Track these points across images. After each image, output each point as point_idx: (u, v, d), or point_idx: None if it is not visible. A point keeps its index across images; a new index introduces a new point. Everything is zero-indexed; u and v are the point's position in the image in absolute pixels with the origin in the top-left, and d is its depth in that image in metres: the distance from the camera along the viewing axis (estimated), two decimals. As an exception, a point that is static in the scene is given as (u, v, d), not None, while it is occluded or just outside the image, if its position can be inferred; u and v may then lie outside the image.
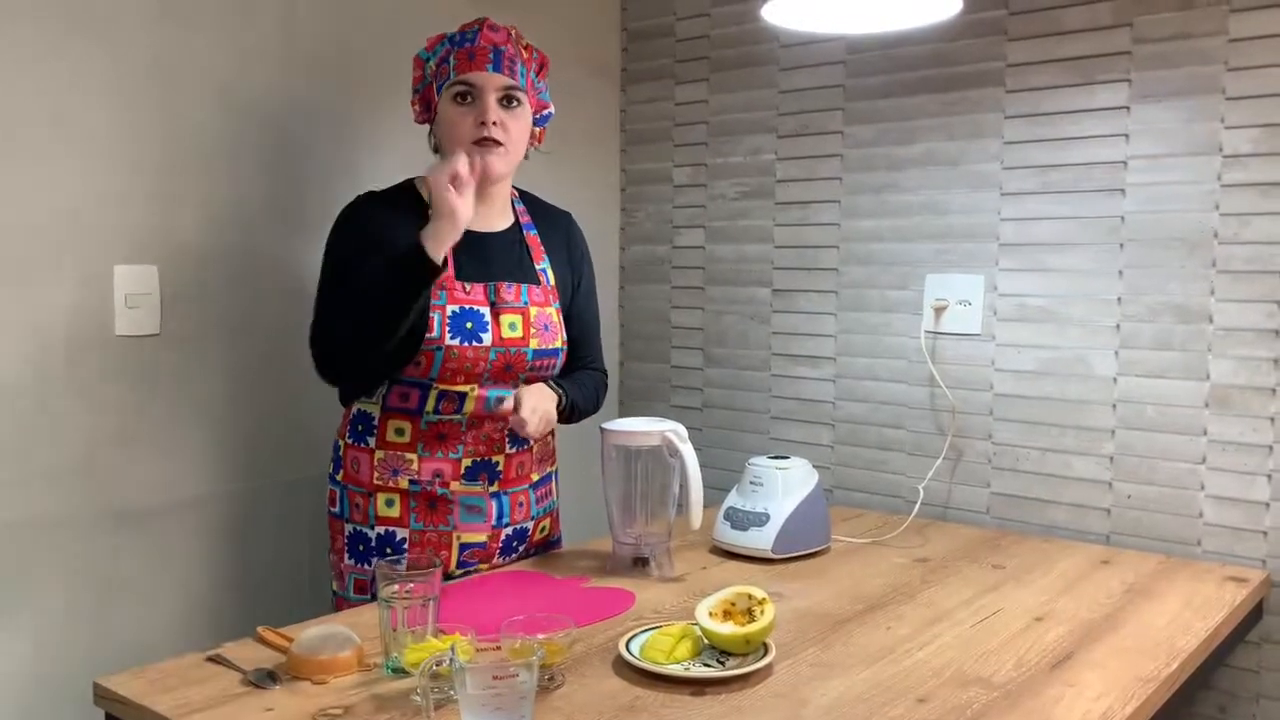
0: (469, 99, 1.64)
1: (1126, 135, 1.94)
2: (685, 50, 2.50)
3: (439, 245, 1.55)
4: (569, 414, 1.76)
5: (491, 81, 1.63)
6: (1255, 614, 1.80)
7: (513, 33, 1.69)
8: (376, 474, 1.68)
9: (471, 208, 1.57)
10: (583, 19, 2.50)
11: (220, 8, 1.84)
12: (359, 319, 1.57)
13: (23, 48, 1.61)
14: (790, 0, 1.67)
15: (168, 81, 1.78)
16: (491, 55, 1.63)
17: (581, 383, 1.80)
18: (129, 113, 1.73)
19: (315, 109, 1.98)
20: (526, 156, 1.75)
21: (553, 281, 1.76)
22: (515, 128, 1.66)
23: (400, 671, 1.26)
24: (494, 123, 1.62)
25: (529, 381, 1.70)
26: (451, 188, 1.54)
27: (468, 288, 1.65)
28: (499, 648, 1.23)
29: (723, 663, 1.32)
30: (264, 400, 1.94)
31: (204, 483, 1.88)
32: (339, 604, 1.73)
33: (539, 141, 1.78)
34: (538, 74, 1.72)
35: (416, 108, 1.73)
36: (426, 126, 1.74)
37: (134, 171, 1.75)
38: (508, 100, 1.65)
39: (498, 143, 1.64)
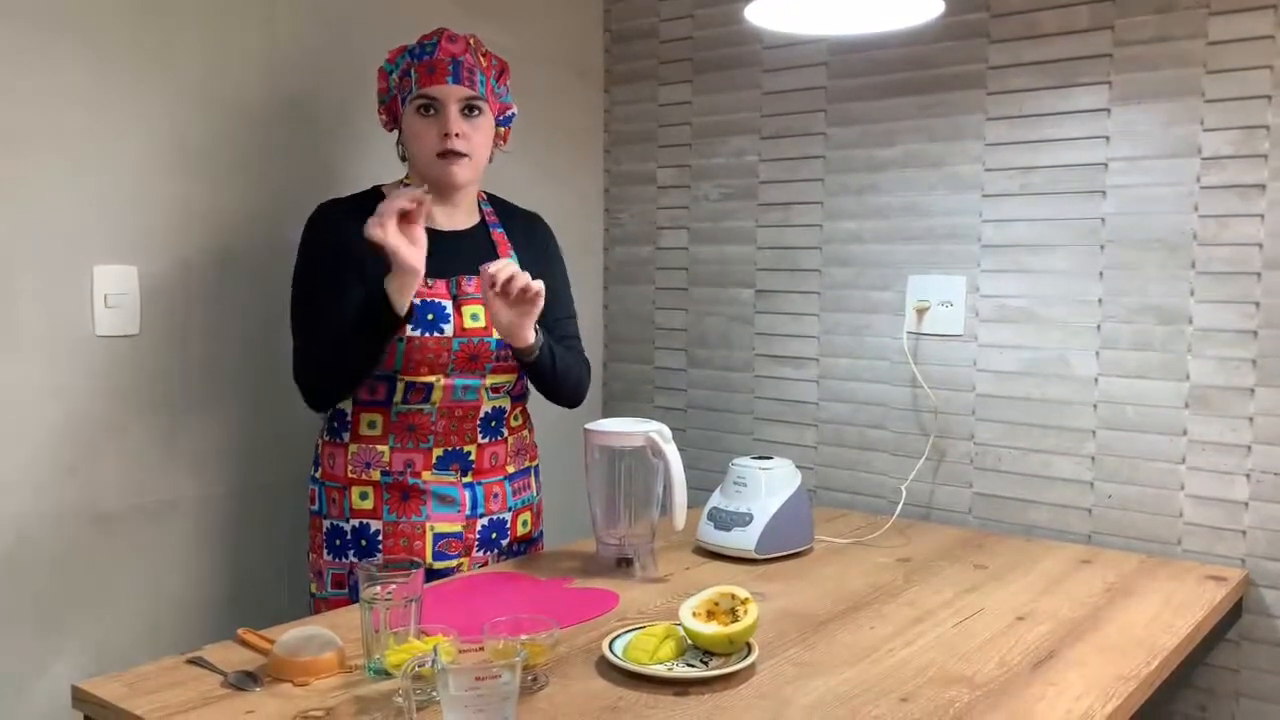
0: (431, 111, 1.68)
1: (1107, 137, 1.95)
2: (668, 52, 2.50)
3: (400, 294, 1.58)
4: (552, 366, 1.73)
5: (452, 93, 1.66)
6: (1234, 612, 1.82)
7: (471, 41, 1.72)
8: (350, 467, 1.71)
9: (415, 250, 1.56)
10: (566, 21, 2.50)
11: (201, 7, 1.83)
12: (335, 363, 1.65)
13: (1, 46, 1.60)
14: (773, 2, 1.68)
15: (147, 81, 1.77)
16: (451, 67, 1.67)
17: (563, 347, 1.80)
18: (108, 111, 1.72)
19: (296, 110, 1.97)
20: (491, 159, 1.78)
21: None
22: (477, 137, 1.70)
23: (382, 673, 1.26)
24: (456, 134, 1.66)
25: (496, 372, 1.72)
26: (388, 231, 1.53)
27: (430, 282, 1.67)
28: (482, 649, 1.23)
29: (706, 663, 1.32)
30: (244, 401, 1.93)
31: (184, 484, 1.87)
32: (317, 606, 1.74)
33: (504, 141, 1.81)
34: (498, 80, 1.75)
35: (383, 117, 1.77)
36: (396, 133, 1.77)
37: (113, 171, 1.74)
38: (469, 110, 1.69)
39: (461, 154, 1.67)
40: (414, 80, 1.67)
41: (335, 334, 1.64)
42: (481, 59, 1.71)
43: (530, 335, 1.66)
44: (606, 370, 2.66)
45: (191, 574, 1.89)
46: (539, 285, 1.60)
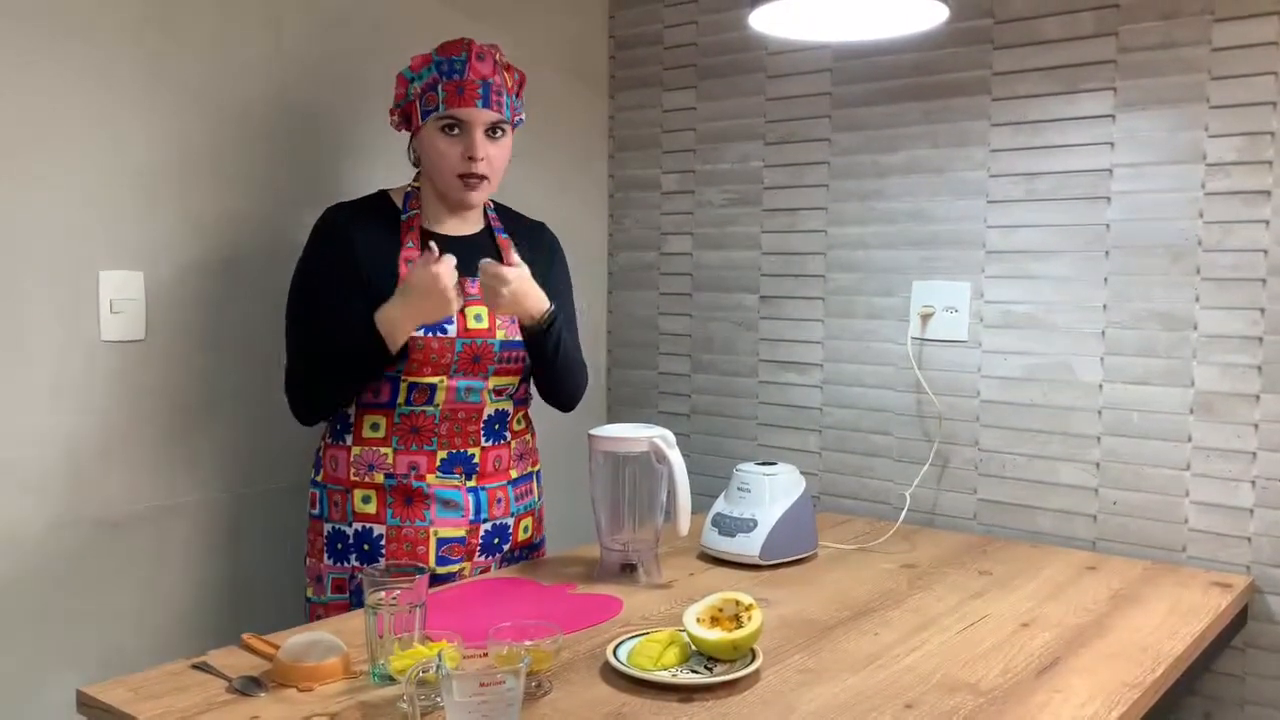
0: (456, 131, 1.68)
1: (1111, 143, 1.95)
2: (673, 58, 2.51)
3: (409, 324, 1.60)
4: (555, 348, 1.73)
5: (480, 117, 1.67)
6: (1240, 620, 1.81)
7: (496, 56, 1.71)
8: (353, 470, 1.71)
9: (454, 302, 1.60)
10: (571, 27, 2.50)
11: (206, 14, 1.83)
12: (327, 383, 1.67)
13: (7, 51, 1.61)
14: (777, 8, 1.68)
15: (153, 87, 1.77)
16: (481, 90, 1.66)
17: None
18: (114, 117, 1.73)
19: (301, 115, 1.98)
20: None
21: None
22: (499, 157, 1.71)
23: (387, 678, 1.26)
24: (481, 158, 1.67)
25: (499, 374, 1.72)
26: (443, 278, 1.56)
27: None
28: (486, 654, 1.23)
29: (710, 669, 1.32)
30: (249, 407, 1.94)
31: (189, 489, 1.87)
32: (313, 611, 1.74)
33: None
34: (517, 93, 1.76)
35: (395, 118, 1.76)
36: (407, 135, 1.77)
37: (119, 177, 1.74)
38: (493, 131, 1.69)
39: (484, 177, 1.69)
40: (441, 98, 1.66)
41: (328, 361, 1.66)
42: (505, 74, 1.72)
43: (539, 304, 1.67)
44: (610, 375, 2.66)
45: (195, 578, 1.89)
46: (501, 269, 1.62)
